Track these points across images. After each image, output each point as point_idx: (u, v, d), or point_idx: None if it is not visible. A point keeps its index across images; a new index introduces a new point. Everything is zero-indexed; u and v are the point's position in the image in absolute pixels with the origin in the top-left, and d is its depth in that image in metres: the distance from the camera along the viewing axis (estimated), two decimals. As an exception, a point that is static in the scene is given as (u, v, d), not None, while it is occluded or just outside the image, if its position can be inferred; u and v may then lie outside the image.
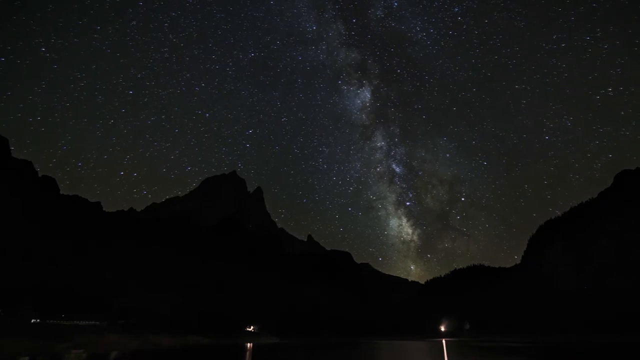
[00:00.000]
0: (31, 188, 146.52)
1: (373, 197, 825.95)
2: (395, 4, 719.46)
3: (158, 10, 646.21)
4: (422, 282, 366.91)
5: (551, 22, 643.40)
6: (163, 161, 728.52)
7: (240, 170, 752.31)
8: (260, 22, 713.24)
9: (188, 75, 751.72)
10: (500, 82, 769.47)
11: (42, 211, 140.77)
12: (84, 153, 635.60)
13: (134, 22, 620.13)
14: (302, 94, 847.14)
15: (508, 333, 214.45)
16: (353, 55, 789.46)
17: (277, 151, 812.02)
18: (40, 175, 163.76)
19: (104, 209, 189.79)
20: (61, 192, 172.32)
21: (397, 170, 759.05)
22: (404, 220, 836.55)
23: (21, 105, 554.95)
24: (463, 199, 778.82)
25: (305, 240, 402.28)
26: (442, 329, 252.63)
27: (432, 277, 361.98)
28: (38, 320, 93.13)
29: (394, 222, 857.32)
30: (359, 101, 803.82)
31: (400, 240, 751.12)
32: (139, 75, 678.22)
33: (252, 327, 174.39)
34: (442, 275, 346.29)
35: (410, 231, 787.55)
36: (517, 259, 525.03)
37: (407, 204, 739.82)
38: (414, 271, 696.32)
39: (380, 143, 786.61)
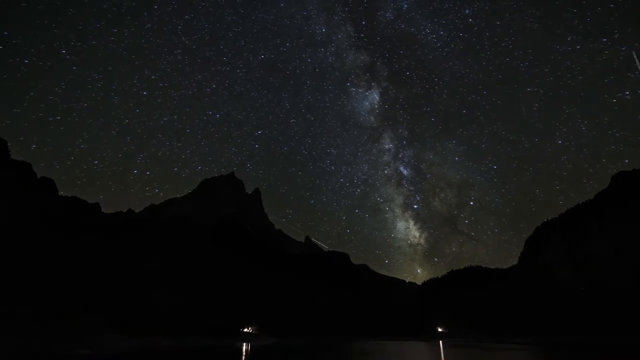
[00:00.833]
0: (30, 189, 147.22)
1: (380, 199, 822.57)
2: (405, 5, 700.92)
3: (172, 14, 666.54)
4: (420, 282, 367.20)
5: (566, 23, 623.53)
6: (175, 160, 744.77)
7: (249, 170, 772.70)
8: (271, 24, 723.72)
9: (199, 76, 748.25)
10: (511, 84, 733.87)
11: (41, 212, 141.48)
12: (100, 152, 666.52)
13: (149, 25, 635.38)
14: (311, 95, 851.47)
15: (505, 334, 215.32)
16: (362, 57, 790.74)
17: (285, 152, 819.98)
18: (39, 176, 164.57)
19: (102, 210, 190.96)
20: (60, 194, 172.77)
21: (405, 172, 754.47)
22: (411, 223, 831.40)
23: (42, 105, 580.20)
24: (472, 202, 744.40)
25: (303, 241, 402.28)
26: (440, 329, 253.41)
27: (429, 278, 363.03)
28: (37, 321, 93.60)
29: (401, 225, 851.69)
30: (367, 103, 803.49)
31: (407, 243, 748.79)
32: (152, 77, 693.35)
33: (249, 328, 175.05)
34: (440, 276, 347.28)
35: (417, 234, 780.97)
36: (514, 259, 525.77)
37: (415, 206, 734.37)
38: (421, 275, 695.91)
39: (388, 145, 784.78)
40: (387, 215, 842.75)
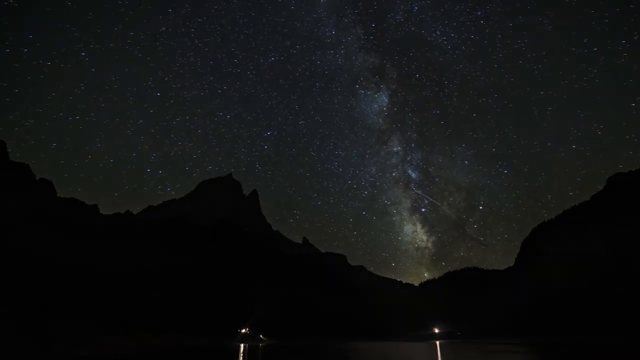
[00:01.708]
0: (28, 190, 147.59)
1: (388, 202, 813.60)
2: (416, 8, 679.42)
3: (186, 17, 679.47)
4: (417, 284, 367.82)
5: (582, 24, 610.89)
6: (186, 160, 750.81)
7: (258, 170, 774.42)
8: (281, 27, 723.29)
9: (211, 78, 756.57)
10: (524, 87, 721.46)
11: (39, 213, 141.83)
12: (116, 151, 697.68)
13: (163, 28, 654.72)
14: (320, 97, 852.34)
15: (501, 334, 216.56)
16: (371, 60, 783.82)
17: (294, 153, 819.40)
18: (37, 178, 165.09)
19: (100, 212, 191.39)
20: (58, 195, 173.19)
21: (413, 175, 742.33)
22: (419, 226, 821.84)
23: (63, 105, 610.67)
24: (481, 207, 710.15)
25: (301, 242, 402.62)
26: (436, 330, 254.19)
27: (426, 279, 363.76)
28: (36, 321, 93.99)
29: (408, 228, 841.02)
30: (376, 105, 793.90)
31: (415, 246, 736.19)
32: (166, 78, 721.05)
33: (247, 329, 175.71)
34: (436, 277, 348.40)
35: (425, 238, 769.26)
36: (510, 261, 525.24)
37: (423, 210, 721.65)
38: (427, 279, 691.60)
39: (396, 148, 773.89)
40: (394, 218, 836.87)
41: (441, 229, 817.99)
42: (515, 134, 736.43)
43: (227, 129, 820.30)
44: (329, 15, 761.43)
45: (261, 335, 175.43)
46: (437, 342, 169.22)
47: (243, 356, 76.17)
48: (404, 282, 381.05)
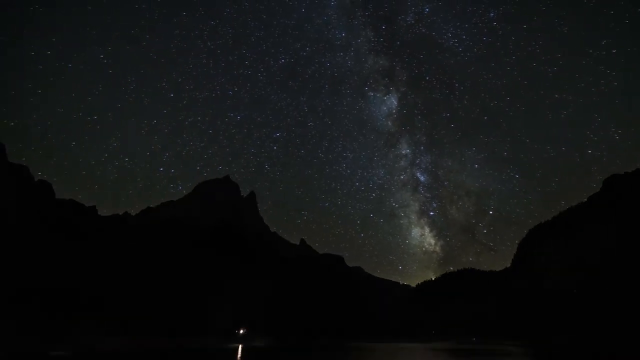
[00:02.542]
0: (27, 192, 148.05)
1: (396, 204, 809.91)
2: (427, 9, 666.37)
3: (199, 20, 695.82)
4: (414, 285, 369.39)
5: (601, 26, 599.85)
6: (197, 159, 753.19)
7: (267, 171, 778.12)
8: (292, 29, 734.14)
9: (223, 80, 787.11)
10: (537, 90, 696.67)
11: (37, 215, 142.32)
12: (131, 149, 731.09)
13: (177, 31, 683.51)
14: (329, 99, 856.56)
15: (497, 335, 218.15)
16: (381, 62, 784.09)
17: (302, 154, 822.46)
18: (36, 179, 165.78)
19: (99, 213, 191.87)
20: (56, 197, 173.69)
21: (422, 179, 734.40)
22: (427, 230, 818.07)
23: (82, 105, 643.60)
24: (491, 212, 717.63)
25: (298, 244, 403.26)
26: (433, 331, 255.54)
27: (423, 281, 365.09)
28: (35, 322, 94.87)
29: (416, 232, 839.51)
30: (385, 108, 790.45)
31: (422, 250, 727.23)
32: (179, 80, 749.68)
33: (244, 330, 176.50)
34: (433, 279, 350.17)
35: (432, 242, 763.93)
36: (507, 262, 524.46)
37: (431, 213, 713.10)
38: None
39: (405, 151, 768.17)
40: (402, 221, 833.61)
41: (450, 233, 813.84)
42: (527, 138, 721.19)
43: (237, 130, 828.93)
44: (339, 18, 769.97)
45: (258, 336, 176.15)
46: (433, 343, 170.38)
47: (241, 357, 77.13)
48: (400, 283, 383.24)
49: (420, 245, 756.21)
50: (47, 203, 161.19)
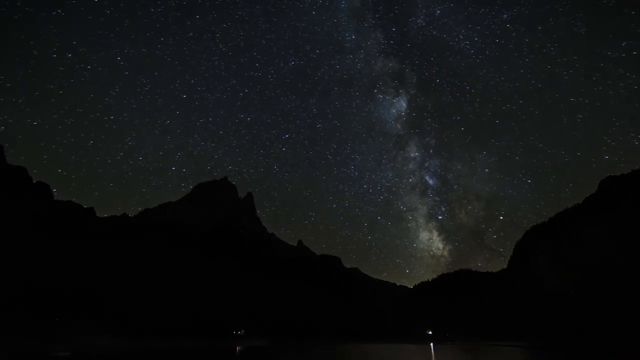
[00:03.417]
0: (25, 194, 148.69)
1: (404, 207, 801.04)
2: (438, 11, 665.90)
3: (212, 23, 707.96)
4: (411, 286, 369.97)
5: (620, 27, 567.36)
6: (208, 160, 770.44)
7: (276, 172, 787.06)
8: (302, 31, 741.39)
9: (234, 81, 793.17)
10: (552, 94, 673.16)
11: (36, 216, 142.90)
12: (145, 148, 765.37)
13: (191, 34, 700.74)
14: (338, 101, 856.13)
15: (494, 336, 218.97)
16: (391, 64, 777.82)
17: (310, 156, 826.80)
18: (34, 181, 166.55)
19: (97, 215, 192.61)
20: (55, 199, 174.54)
21: (431, 182, 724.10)
22: (435, 234, 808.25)
23: (100, 106, 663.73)
24: (501, 217, 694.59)
25: (296, 245, 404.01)
26: (430, 332, 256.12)
27: (420, 282, 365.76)
28: (34, 322, 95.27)
29: (424, 236, 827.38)
30: (394, 110, 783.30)
31: (430, 254, 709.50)
32: (192, 81, 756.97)
33: (241, 330, 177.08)
34: (430, 280, 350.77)
35: (440, 246, 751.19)
36: (503, 263, 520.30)
37: (439, 217, 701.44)
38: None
39: (414, 154, 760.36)
40: (409, 225, 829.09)
41: (458, 237, 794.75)
42: (540, 143, 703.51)
43: (247, 131, 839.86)
44: (349, 20, 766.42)
45: (256, 337, 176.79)
46: (431, 344, 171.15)
47: (239, 357, 77.82)
48: (397, 284, 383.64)
49: (428, 249, 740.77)
50: (44, 205, 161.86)
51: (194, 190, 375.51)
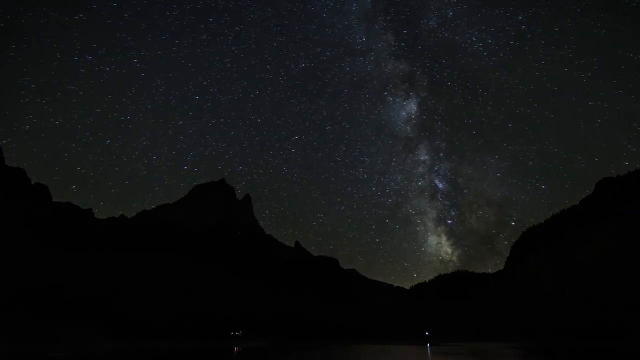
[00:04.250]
0: (24, 195, 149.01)
1: (412, 211, 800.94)
2: (451, 13, 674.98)
3: (224, 25, 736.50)
4: (407, 287, 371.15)
5: None
6: (219, 160, 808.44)
7: (285, 173, 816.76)
8: (313, 34, 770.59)
9: (245, 83, 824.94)
10: (569, 97, 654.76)
11: (34, 217, 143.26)
12: (158, 148, 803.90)
13: (204, 36, 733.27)
14: (348, 103, 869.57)
15: (490, 337, 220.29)
16: (401, 67, 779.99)
17: (319, 157, 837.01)
18: (33, 183, 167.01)
19: (95, 216, 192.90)
20: (54, 200, 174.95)
21: (440, 186, 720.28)
22: (444, 238, 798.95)
23: (117, 106, 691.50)
24: (513, 223, 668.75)
25: (293, 246, 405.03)
26: (427, 332, 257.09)
27: (417, 283, 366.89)
28: (32, 324, 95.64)
29: (432, 240, 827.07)
30: (404, 113, 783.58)
31: (438, 258, 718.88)
32: (204, 83, 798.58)
33: (239, 331, 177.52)
34: (427, 281, 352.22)
35: (449, 251, 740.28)
36: (499, 264, 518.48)
37: (449, 222, 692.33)
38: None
39: (423, 157, 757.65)
40: (418, 228, 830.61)
41: (468, 242, 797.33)
42: (556, 148, 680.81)
43: (257, 132, 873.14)
44: (360, 22, 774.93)
45: (253, 338, 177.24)
46: (428, 345, 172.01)
47: (236, 358, 78.56)
48: (394, 286, 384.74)
49: (436, 254, 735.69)
50: (42, 206, 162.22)
51: (192, 192, 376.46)
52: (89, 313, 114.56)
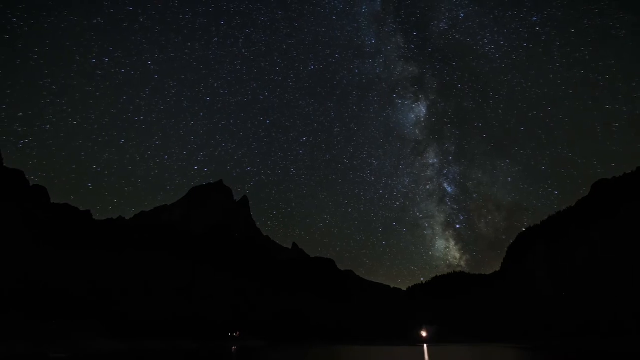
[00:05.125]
0: (23, 197, 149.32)
1: (420, 214, 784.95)
2: (462, 15, 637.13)
3: (235, 28, 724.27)
4: (405, 288, 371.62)
5: None
6: (228, 160, 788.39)
7: (292, 174, 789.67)
8: (322, 36, 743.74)
9: (254, 85, 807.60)
10: (585, 100, 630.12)
11: (33, 218, 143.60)
12: (170, 148, 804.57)
13: (216, 39, 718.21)
14: (356, 106, 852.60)
15: (487, 338, 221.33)
16: (411, 69, 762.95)
17: (327, 159, 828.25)
18: (31, 184, 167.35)
19: (93, 217, 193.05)
20: (52, 201, 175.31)
21: (449, 190, 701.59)
22: (452, 243, 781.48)
23: (131, 107, 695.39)
24: (524, 229, 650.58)
25: (290, 247, 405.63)
26: (424, 334, 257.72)
27: (413, 284, 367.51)
28: (31, 324, 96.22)
29: (440, 244, 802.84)
30: (413, 116, 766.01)
31: (446, 263, 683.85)
32: (215, 85, 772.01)
33: (237, 332, 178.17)
34: (424, 282, 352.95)
35: (457, 255, 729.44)
36: (496, 265, 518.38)
37: (457, 226, 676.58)
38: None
39: (432, 160, 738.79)
40: (426, 232, 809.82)
41: (477, 248, 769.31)
42: (570, 152, 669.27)
43: (266, 133, 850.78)
44: (369, 25, 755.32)
45: (251, 338, 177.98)
46: (424, 345, 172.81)
47: (234, 358, 79.28)
48: (391, 287, 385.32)
49: (444, 258, 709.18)
50: (41, 208, 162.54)
51: (189, 193, 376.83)
52: (89, 313, 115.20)
